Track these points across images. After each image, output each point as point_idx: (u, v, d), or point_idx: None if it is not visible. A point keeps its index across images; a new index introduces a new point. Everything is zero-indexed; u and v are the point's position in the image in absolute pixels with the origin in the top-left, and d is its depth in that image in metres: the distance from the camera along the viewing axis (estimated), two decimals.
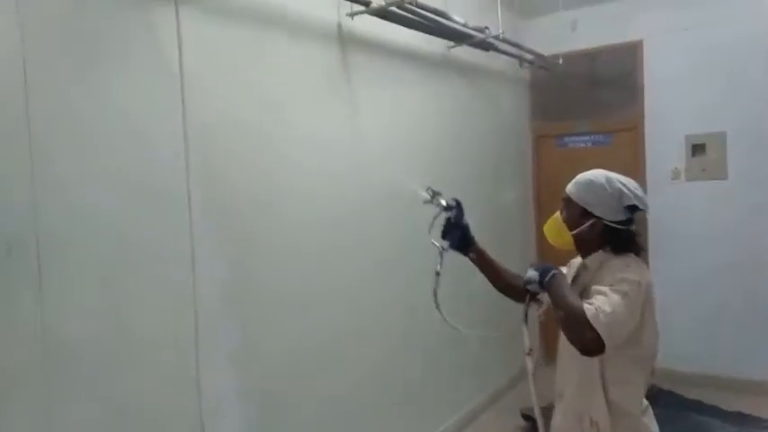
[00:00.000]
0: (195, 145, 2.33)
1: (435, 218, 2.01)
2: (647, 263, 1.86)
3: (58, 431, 1.90)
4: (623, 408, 1.74)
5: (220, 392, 2.41)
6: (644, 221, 4.90)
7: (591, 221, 1.76)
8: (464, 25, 3.73)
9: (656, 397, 4.16)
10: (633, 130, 5.02)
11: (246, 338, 2.53)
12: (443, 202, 2.00)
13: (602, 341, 1.52)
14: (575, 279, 1.86)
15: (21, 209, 1.82)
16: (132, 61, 2.14)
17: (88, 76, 2.01)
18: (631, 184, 1.78)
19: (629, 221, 1.77)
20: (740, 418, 3.94)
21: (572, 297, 1.63)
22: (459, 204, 2.00)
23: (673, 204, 4.83)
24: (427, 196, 2.01)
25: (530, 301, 1.87)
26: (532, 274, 1.76)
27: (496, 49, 4.30)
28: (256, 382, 2.57)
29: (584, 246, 1.80)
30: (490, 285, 2.08)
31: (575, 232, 1.80)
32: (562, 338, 1.81)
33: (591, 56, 5.14)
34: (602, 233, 1.76)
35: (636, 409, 1.77)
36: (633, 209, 1.75)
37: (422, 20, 3.43)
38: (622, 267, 1.68)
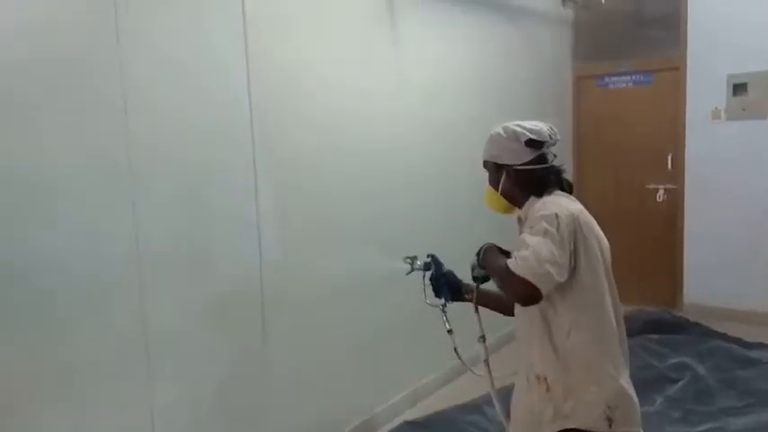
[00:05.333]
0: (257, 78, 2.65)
1: (425, 284, 2.00)
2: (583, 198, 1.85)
3: (151, 321, 2.29)
4: (579, 358, 1.63)
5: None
6: (681, 162, 5.01)
7: (504, 172, 1.75)
8: None
9: (683, 326, 4.42)
10: (675, 70, 5.05)
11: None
12: (420, 264, 2.00)
13: (532, 284, 1.48)
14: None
15: (116, 133, 2.17)
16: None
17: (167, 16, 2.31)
18: (529, 123, 1.76)
19: (541, 160, 1.74)
20: (760, 346, 4.05)
21: (501, 260, 1.65)
22: (433, 257, 1.99)
23: (712, 143, 4.91)
24: (407, 266, 2.01)
25: (477, 287, 1.90)
26: (473, 260, 1.83)
27: None
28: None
29: (515, 200, 1.77)
30: None
31: (500, 190, 1.77)
32: (516, 312, 1.79)
33: None
34: (519, 179, 1.74)
35: (597, 360, 1.63)
36: (535, 144, 1.72)
37: None
38: (540, 207, 1.65)
